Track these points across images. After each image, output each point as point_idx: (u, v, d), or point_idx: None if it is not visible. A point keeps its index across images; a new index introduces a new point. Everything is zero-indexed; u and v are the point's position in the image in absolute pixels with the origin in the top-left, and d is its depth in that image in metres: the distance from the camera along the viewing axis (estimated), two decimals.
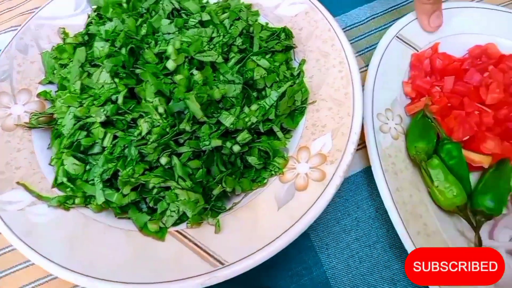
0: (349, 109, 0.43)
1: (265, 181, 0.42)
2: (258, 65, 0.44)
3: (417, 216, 0.40)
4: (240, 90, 0.42)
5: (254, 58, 0.44)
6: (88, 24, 0.53)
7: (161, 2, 0.51)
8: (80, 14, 0.55)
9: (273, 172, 0.42)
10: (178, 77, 0.42)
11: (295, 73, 0.48)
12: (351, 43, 0.48)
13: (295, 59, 0.50)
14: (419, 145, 0.43)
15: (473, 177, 0.45)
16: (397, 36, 0.49)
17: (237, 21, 0.47)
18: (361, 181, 0.48)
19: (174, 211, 0.40)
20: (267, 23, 0.51)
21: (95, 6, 0.54)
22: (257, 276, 0.42)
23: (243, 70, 0.44)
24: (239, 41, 0.46)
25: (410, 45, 0.50)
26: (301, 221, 0.37)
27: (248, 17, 0.49)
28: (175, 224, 0.40)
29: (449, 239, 0.40)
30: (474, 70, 0.47)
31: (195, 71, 0.43)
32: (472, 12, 0.53)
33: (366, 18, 0.59)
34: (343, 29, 0.53)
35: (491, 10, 0.53)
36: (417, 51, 0.50)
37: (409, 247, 0.38)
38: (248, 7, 0.52)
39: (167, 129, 0.40)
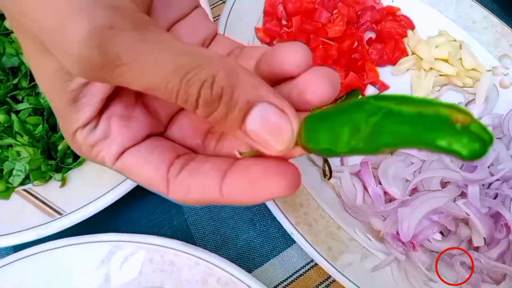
0: None
1: None
2: None
3: None
4: None
5: None
6: None
7: None
8: None
9: None
10: (14, 35, 0.42)
11: None
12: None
13: None
14: None
15: None
16: None
17: None
18: None
19: (20, 170, 0.40)
20: None
21: None
22: (117, 225, 0.42)
23: None
24: None
25: None
26: None
27: None
28: (23, 183, 0.40)
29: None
30: (322, 9, 0.47)
31: None
32: None
33: None
34: None
35: None
36: None
37: None
38: None
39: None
